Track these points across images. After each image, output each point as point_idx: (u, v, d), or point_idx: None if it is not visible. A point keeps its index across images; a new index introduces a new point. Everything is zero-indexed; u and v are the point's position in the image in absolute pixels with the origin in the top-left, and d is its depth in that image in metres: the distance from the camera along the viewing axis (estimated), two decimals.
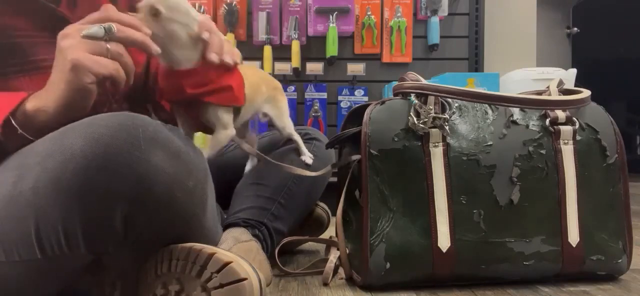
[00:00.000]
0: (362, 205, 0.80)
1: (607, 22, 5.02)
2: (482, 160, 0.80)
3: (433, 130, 0.80)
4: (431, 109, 0.80)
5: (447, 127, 0.80)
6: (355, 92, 2.03)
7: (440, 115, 0.80)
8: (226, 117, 0.74)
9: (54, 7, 0.72)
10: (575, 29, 3.03)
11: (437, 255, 0.78)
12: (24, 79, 0.68)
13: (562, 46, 2.94)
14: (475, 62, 2.04)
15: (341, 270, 0.87)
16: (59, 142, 0.51)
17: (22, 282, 0.55)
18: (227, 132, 0.75)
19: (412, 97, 0.82)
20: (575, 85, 0.97)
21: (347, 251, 0.87)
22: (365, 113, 0.81)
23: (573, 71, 1.77)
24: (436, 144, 0.80)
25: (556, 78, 0.90)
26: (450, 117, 0.82)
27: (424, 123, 0.79)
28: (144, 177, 0.52)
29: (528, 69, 1.87)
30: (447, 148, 0.80)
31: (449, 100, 0.83)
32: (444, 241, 0.78)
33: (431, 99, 0.81)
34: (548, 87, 0.88)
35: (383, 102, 0.83)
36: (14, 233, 0.52)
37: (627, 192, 0.85)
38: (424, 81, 0.84)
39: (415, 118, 0.80)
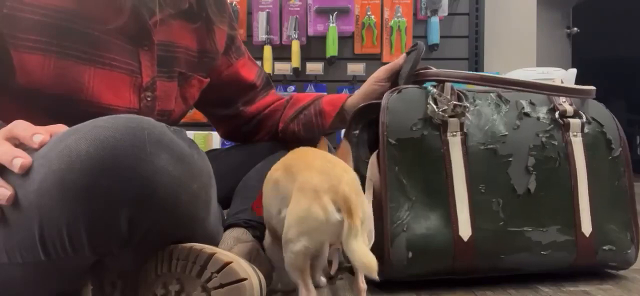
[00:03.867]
0: (383, 195, 0.78)
1: (607, 22, 5.02)
2: (498, 149, 0.81)
3: (452, 119, 0.80)
4: (449, 97, 0.80)
5: (468, 115, 0.80)
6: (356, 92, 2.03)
7: (460, 103, 0.80)
8: None
9: (146, 18, 0.76)
10: (575, 29, 3.03)
11: (458, 244, 0.78)
12: (88, 69, 0.72)
13: (562, 46, 2.94)
14: (475, 62, 2.05)
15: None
16: (64, 144, 0.51)
17: (24, 284, 0.55)
18: None
19: (429, 86, 0.82)
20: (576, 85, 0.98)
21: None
22: (382, 101, 0.81)
23: (573, 71, 1.77)
24: (454, 133, 0.80)
25: (557, 77, 0.91)
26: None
27: (444, 111, 0.79)
28: (149, 180, 0.52)
29: (528, 69, 1.87)
30: (465, 137, 0.80)
31: (465, 92, 0.84)
32: (465, 230, 0.78)
33: (448, 88, 0.81)
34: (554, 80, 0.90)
35: (399, 91, 0.82)
36: (17, 235, 0.52)
37: (631, 184, 0.87)
38: (434, 69, 0.84)
39: (434, 106, 0.79)
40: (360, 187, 0.65)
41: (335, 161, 0.67)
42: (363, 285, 0.66)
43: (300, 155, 0.69)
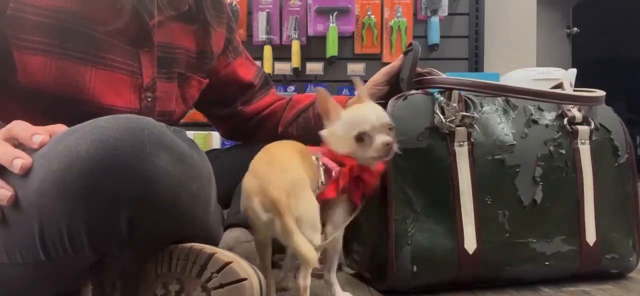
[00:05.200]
0: (388, 207, 0.77)
1: (607, 22, 5.02)
2: (506, 160, 0.79)
3: (459, 128, 0.78)
4: (456, 107, 0.78)
5: (476, 126, 0.78)
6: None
7: (469, 114, 0.78)
8: None
9: (146, 19, 0.76)
10: (575, 29, 3.03)
11: (463, 256, 0.77)
12: (89, 70, 0.72)
13: (562, 46, 2.94)
14: (475, 62, 2.04)
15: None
16: (64, 144, 0.51)
17: (24, 284, 0.55)
18: None
19: (436, 93, 0.80)
20: (576, 86, 0.97)
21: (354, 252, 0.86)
22: (387, 108, 0.78)
23: (573, 71, 1.77)
24: (461, 143, 0.78)
25: (559, 78, 0.90)
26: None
27: (451, 121, 0.77)
28: (149, 180, 0.52)
29: (528, 69, 1.87)
30: (472, 147, 0.78)
31: (472, 98, 0.81)
32: (470, 243, 0.77)
33: (455, 96, 0.79)
34: (561, 83, 0.88)
35: (405, 98, 0.80)
36: (17, 235, 0.52)
37: (636, 191, 0.86)
38: (443, 75, 0.82)
39: (441, 116, 0.77)
40: (297, 186, 0.65)
41: (277, 161, 0.68)
42: (302, 282, 0.64)
43: (257, 156, 0.71)
